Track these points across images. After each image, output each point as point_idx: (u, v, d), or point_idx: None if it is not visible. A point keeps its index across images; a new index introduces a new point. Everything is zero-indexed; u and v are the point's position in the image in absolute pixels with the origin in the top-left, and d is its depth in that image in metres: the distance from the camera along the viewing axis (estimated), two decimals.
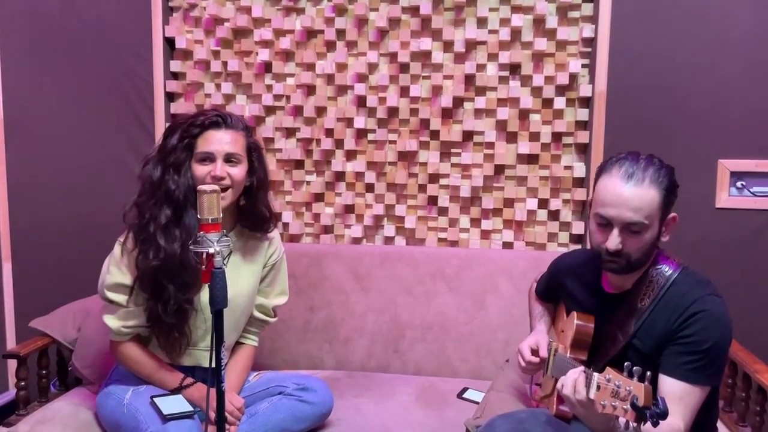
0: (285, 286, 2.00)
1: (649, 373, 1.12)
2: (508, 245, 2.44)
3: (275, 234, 1.95)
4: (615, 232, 1.40)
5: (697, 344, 1.36)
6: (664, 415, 1.07)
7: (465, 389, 2.10)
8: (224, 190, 1.69)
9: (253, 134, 1.85)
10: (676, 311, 1.40)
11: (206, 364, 1.80)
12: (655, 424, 1.08)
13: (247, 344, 1.95)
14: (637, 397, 1.09)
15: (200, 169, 1.70)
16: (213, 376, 1.37)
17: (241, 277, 1.82)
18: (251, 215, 1.84)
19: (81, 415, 1.83)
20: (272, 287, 1.95)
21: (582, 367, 1.31)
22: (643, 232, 1.39)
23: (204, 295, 1.72)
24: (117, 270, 1.71)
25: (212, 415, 1.53)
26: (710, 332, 1.36)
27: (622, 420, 1.13)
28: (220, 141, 1.71)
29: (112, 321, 1.73)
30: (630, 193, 1.38)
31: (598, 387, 1.17)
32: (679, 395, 1.35)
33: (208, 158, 1.71)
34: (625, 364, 1.16)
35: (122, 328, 1.73)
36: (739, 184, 2.26)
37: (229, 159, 1.72)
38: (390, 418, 1.91)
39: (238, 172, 1.74)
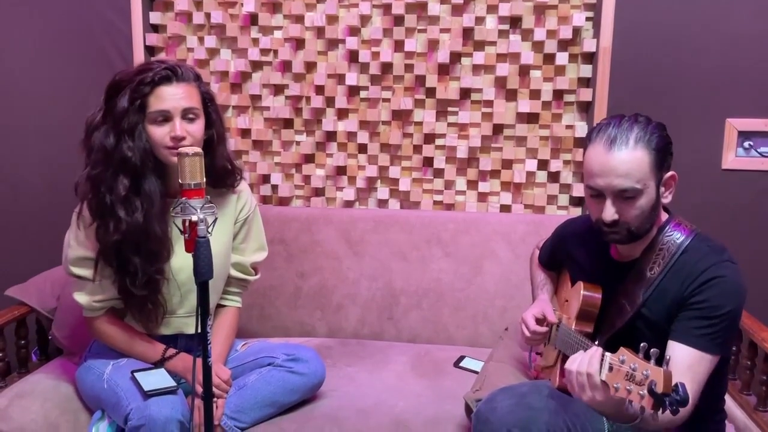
0: (262, 241, 1.89)
1: (668, 356, 1.05)
2: (505, 208, 2.35)
3: (243, 187, 1.83)
4: (608, 202, 1.34)
5: (710, 310, 1.30)
6: (684, 402, 1.00)
7: (462, 357, 2.04)
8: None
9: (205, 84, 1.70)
10: (690, 277, 1.33)
11: (188, 331, 1.73)
12: (674, 413, 1.01)
13: (230, 306, 1.86)
14: (656, 382, 1.01)
15: (157, 131, 1.57)
16: (198, 345, 1.29)
17: (212, 236, 1.72)
18: (212, 171, 1.68)
19: (62, 388, 1.76)
20: (247, 243, 1.84)
21: (594, 348, 1.22)
22: (638, 197, 1.32)
23: (174, 261, 1.64)
24: (77, 244, 1.62)
25: (199, 389, 1.47)
26: (725, 299, 1.30)
27: (636, 405, 1.06)
28: (174, 97, 1.57)
29: (81, 297, 1.65)
30: (615, 159, 1.31)
31: (611, 368, 1.09)
32: (688, 363, 1.28)
33: (164, 117, 1.57)
34: (642, 345, 1.08)
35: (93, 303, 1.65)
36: (746, 144, 2.19)
37: (186, 115, 1.59)
38: (384, 389, 1.85)
39: (198, 128, 1.61)
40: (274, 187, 2.43)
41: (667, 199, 1.40)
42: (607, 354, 1.12)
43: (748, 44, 2.13)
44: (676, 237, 1.40)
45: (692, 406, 1.27)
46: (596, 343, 1.33)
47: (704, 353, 1.29)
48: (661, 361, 1.04)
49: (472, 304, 2.19)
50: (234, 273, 1.83)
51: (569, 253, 1.64)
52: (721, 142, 2.18)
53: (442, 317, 2.20)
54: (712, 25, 2.14)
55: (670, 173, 1.38)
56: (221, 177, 1.73)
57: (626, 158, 1.31)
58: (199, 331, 1.28)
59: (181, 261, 1.65)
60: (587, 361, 1.18)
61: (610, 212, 1.34)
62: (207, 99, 1.67)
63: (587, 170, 1.37)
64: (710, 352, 1.30)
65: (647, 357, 1.06)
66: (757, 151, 2.18)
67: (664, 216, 1.44)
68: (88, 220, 1.58)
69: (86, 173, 1.57)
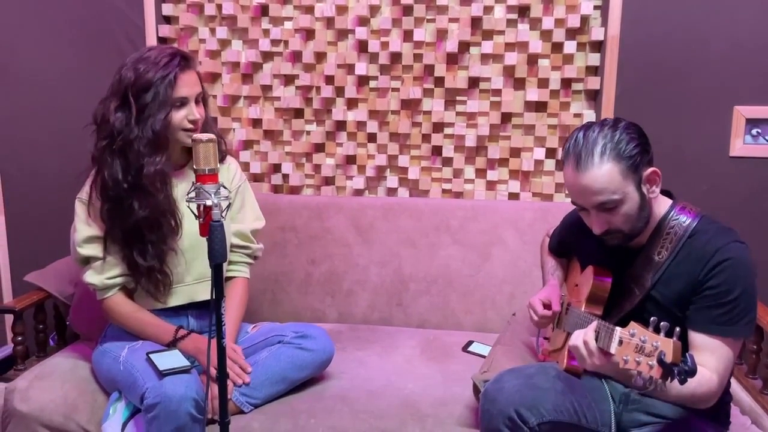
0: (258, 212, 1.96)
1: (678, 329, 1.07)
2: (514, 196, 2.38)
3: (230, 160, 1.91)
4: (592, 217, 1.38)
5: (724, 294, 1.31)
6: (692, 372, 1.02)
7: (470, 342, 2.07)
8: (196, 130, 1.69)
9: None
10: (701, 261, 1.35)
11: (198, 298, 1.79)
12: (682, 382, 1.03)
13: (238, 277, 1.90)
14: (665, 352, 1.03)
15: (176, 115, 1.66)
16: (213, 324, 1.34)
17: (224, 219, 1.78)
18: None
19: (79, 370, 1.81)
20: (244, 213, 1.91)
21: (596, 321, 1.26)
22: (619, 206, 1.34)
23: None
24: (85, 226, 1.69)
25: (213, 372, 1.51)
26: (737, 280, 1.31)
27: (645, 375, 1.08)
28: (189, 83, 1.67)
29: (93, 277, 1.70)
30: (584, 178, 1.33)
31: (620, 342, 1.12)
32: (710, 349, 1.31)
33: (182, 102, 1.67)
34: (651, 319, 1.11)
35: (106, 281, 1.70)
36: (754, 131, 2.19)
37: (197, 99, 1.70)
38: (394, 371, 1.89)
39: (203, 110, 1.73)
40: (285, 176, 2.46)
41: (654, 194, 1.40)
42: (617, 328, 1.15)
43: (756, 32, 2.13)
44: (683, 220, 1.41)
45: (720, 388, 1.30)
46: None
47: (725, 338, 1.31)
48: (671, 333, 1.06)
49: (480, 290, 2.22)
50: (236, 241, 1.88)
51: (578, 241, 1.66)
52: (729, 129, 2.19)
53: (451, 303, 2.23)
54: (719, 13, 2.14)
55: (650, 170, 1.37)
56: None
57: (595, 176, 1.32)
58: (214, 313, 1.32)
59: (182, 230, 1.72)
60: (584, 332, 1.24)
61: (596, 226, 1.38)
62: (202, 82, 1.76)
63: (567, 189, 1.42)
64: (732, 336, 1.32)
65: (657, 330, 1.09)
66: (764, 139, 2.19)
67: (667, 202, 1.45)
68: (98, 203, 1.66)
69: (147, 168, 1.63)
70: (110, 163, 1.64)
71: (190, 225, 1.72)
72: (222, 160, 1.84)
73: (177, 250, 1.72)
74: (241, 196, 1.90)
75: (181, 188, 1.74)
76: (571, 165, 1.36)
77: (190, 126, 1.67)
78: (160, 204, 1.65)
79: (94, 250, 1.69)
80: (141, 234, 1.66)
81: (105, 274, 1.70)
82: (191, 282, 1.78)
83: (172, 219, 1.69)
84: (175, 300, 1.76)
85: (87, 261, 1.70)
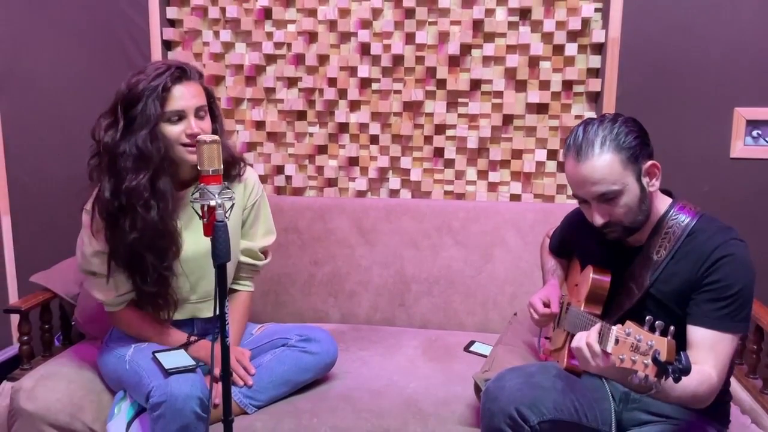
0: (270, 226, 1.93)
1: (672, 327, 1.08)
2: (515, 197, 2.39)
3: (249, 174, 1.85)
4: (593, 208, 1.39)
5: (724, 289, 1.33)
6: (686, 371, 1.04)
7: (472, 342, 2.08)
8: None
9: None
10: (701, 258, 1.36)
11: (202, 316, 1.79)
12: (676, 380, 1.05)
13: (242, 291, 1.91)
14: (659, 351, 1.05)
15: (173, 129, 1.61)
16: (216, 327, 1.35)
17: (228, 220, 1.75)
18: None
19: (85, 370, 1.82)
20: (256, 228, 1.88)
21: (599, 323, 1.27)
22: (619, 197, 1.36)
23: (182, 253, 1.69)
24: (90, 239, 1.66)
25: (217, 372, 1.53)
26: (737, 276, 1.33)
27: (640, 374, 1.09)
28: (186, 96, 1.62)
29: (100, 294, 1.71)
30: (585, 169, 1.35)
31: (617, 341, 1.13)
32: (710, 344, 1.32)
33: (179, 116, 1.62)
34: (647, 318, 1.12)
35: (114, 298, 1.71)
36: (754, 133, 2.20)
37: (198, 113, 1.64)
38: (396, 371, 1.90)
39: (208, 124, 1.67)
40: (288, 178, 2.48)
41: (654, 187, 1.42)
42: (613, 327, 1.16)
43: (757, 34, 2.14)
44: (682, 219, 1.43)
45: (719, 385, 1.31)
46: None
47: (724, 333, 1.33)
48: (666, 332, 1.07)
49: (482, 290, 2.23)
50: (244, 259, 1.87)
51: (578, 240, 1.67)
52: (730, 131, 2.20)
53: (453, 304, 2.24)
54: (720, 15, 2.15)
55: (650, 162, 1.39)
56: (226, 168, 1.75)
57: (595, 165, 1.35)
58: (218, 312, 1.33)
59: (188, 252, 1.70)
60: (587, 334, 1.24)
61: (596, 217, 1.40)
62: (210, 95, 1.72)
63: (568, 182, 1.44)
64: (730, 331, 1.33)
65: (652, 329, 1.10)
66: (765, 140, 2.20)
67: (667, 200, 1.47)
68: (100, 220, 1.63)
69: (127, 185, 1.57)
70: (101, 181, 1.61)
71: (194, 246, 1.69)
72: (239, 176, 1.81)
73: (180, 273, 1.70)
74: (255, 211, 1.86)
75: (188, 208, 1.69)
76: (572, 156, 1.38)
77: (187, 141, 1.61)
78: (152, 223, 1.59)
79: (98, 266, 1.67)
80: (140, 256, 1.62)
81: (112, 293, 1.70)
82: (195, 300, 1.77)
83: (170, 240, 1.64)
84: (178, 315, 1.77)
85: (94, 273, 1.70)
